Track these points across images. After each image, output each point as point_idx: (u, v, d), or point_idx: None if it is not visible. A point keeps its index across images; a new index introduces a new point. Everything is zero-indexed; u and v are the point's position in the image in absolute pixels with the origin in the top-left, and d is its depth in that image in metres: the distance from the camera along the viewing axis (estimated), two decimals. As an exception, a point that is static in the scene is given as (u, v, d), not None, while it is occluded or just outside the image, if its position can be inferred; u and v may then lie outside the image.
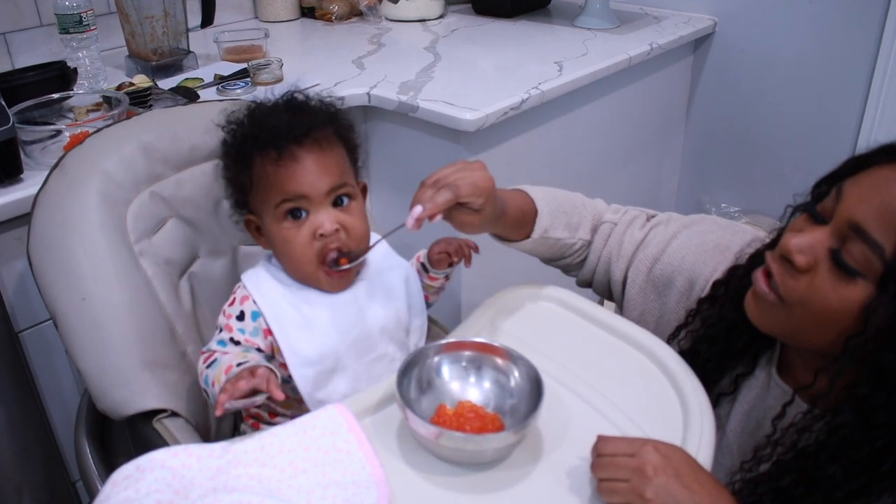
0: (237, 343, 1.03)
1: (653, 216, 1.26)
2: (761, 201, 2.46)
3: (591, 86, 1.91)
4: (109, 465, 1.16)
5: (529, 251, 1.23)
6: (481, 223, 1.06)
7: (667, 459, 0.81)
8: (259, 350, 1.04)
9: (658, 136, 2.43)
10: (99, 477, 1.14)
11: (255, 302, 1.04)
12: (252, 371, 0.91)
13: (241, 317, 1.04)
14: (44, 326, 1.40)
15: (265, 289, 1.06)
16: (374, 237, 1.10)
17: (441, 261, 1.15)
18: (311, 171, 1.02)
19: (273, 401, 0.95)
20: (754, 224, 2.40)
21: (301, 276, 1.07)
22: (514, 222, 1.16)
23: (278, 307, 1.05)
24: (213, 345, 1.04)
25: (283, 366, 1.03)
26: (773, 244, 1.02)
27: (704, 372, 1.04)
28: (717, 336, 1.08)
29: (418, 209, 0.98)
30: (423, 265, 1.18)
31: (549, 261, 1.29)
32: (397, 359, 1.11)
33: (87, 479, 1.15)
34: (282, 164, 1.01)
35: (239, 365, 0.94)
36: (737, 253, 1.13)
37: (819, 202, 0.92)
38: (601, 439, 0.85)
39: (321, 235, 1.02)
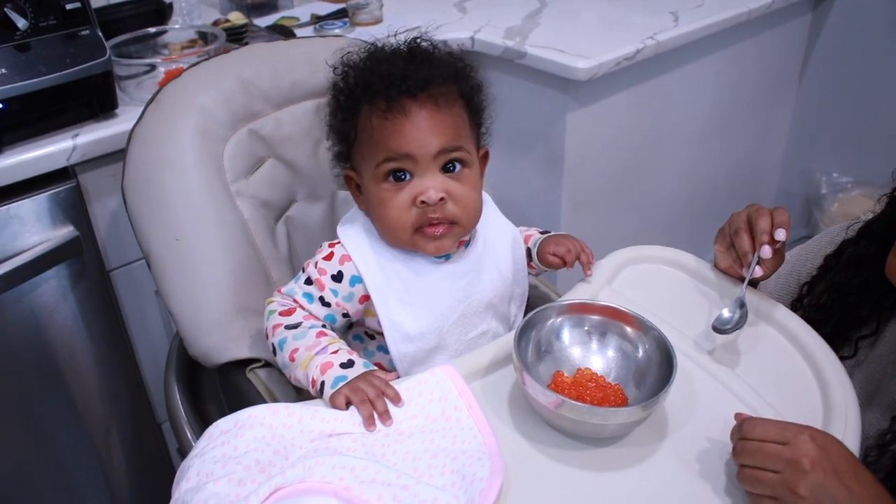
0: (326, 304, 0.95)
1: None
2: (877, 173, 2.27)
3: (706, 39, 1.78)
4: (198, 410, 1.13)
5: None
6: None
7: (825, 452, 0.71)
8: (345, 315, 0.96)
9: (768, 96, 2.29)
10: (187, 422, 1.11)
11: (356, 266, 0.95)
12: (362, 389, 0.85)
13: (337, 277, 0.95)
14: (134, 266, 1.37)
15: (368, 252, 0.96)
16: (486, 200, 1.01)
17: (551, 263, 1.05)
18: (421, 129, 0.88)
19: None
20: (868, 197, 2.24)
21: (396, 242, 0.95)
22: None
23: (383, 275, 0.95)
24: (298, 294, 0.95)
25: (380, 334, 0.97)
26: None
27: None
28: (839, 303, 1.05)
29: (767, 250, 0.95)
30: (528, 250, 1.08)
31: None
32: (500, 335, 1.02)
33: (176, 423, 1.12)
34: (389, 118, 0.88)
35: (343, 366, 0.88)
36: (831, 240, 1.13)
37: None
38: (748, 421, 0.75)
39: (422, 202, 0.89)
